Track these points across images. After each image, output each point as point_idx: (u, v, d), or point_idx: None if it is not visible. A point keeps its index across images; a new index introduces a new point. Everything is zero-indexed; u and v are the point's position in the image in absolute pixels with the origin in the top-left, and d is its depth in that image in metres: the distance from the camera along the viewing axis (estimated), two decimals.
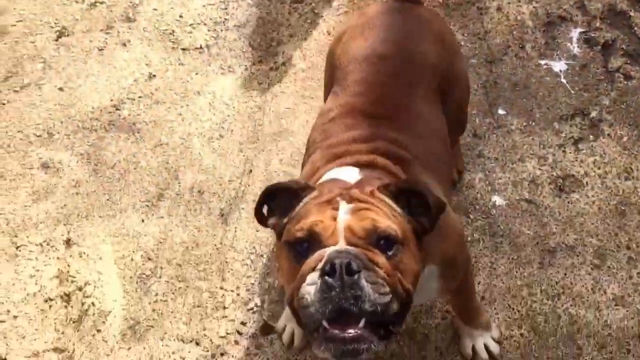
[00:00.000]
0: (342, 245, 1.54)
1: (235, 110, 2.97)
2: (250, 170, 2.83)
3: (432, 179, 1.91)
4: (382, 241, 1.56)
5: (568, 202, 2.68)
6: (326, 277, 1.48)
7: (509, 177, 2.75)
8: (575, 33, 3.06)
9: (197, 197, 2.79)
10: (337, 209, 1.58)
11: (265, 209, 1.75)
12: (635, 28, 3.04)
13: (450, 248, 1.90)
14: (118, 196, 2.81)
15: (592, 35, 3.04)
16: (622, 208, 2.65)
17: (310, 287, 1.51)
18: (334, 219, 1.56)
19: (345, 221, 1.56)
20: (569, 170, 2.75)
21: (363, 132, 1.93)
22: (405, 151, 1.91)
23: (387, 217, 1.59)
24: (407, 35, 2.15)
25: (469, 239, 2.63)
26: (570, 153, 2.79)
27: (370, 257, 1.53)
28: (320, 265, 1.51)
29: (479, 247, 2.61)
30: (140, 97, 3.04)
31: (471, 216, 2.68)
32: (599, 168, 2.74)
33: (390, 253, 1.56)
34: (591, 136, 2.82)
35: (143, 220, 2.75)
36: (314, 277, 1.51)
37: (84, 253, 2.67)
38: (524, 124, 2.86)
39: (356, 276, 1.48)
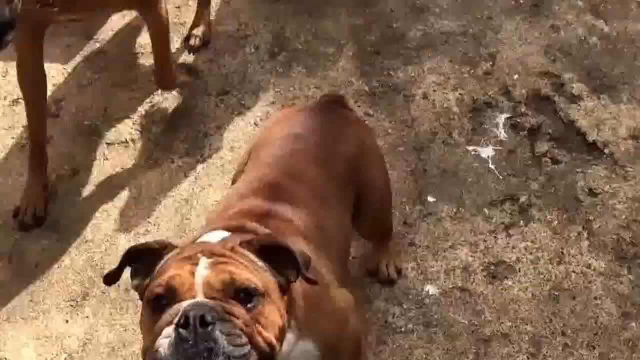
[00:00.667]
0: (200, 298, 1.50)
1: (162, 204, 2.84)
2: None
3: (320, 255, 1.91)
4: (241, 293, 1.53)
5: (501, 289, 2.58)
6: (180, 330, 1.45)
7: (441, 265, 2.65)
8: (501, 119, 3.03)
9: (124, 295, 2.61)
10: (196, 264, 1.55)
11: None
12: (560, 112, 3.03)
13: (332, 328, 1.86)
14: (41, 297, 2.63)
15: (518, 120, 3.01)
16: (556, 293, 2.56)
17: (164, 340, 1.47)
18: (192, 273, 1.53)
19: (203, 275, 1.52)
20: (501, 257, 2.66)
21: (260, 205, 1.97)
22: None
23: (248, 271, 1.57)
24: (327, 130, 2.23)
25: (403, 329, 2.51)
26: (501, 239, 2.70)
27: (227, 309, 1.49)
28: (175, 319, 1.47)
29: (413, 338, 2.49)
30: (64, 193, 2.90)
31: (404, 306, 2.57)
32: (530, 253, 2.66)
33: (250, 305, 1.52)
34: (522, 221, 2.75)
35: (67, 321, 2.58)
36: (169, 330, 1.47)
37: (5, 358, 2.50)
38: (454, 210, 2.78)
39: (210, 328, 1.45)
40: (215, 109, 3.09)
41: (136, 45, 3.33)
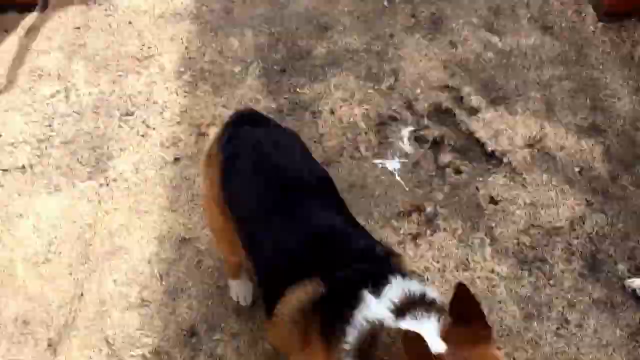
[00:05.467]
0: None
1: (63, 231, 2.64)
2: (82, 294, 2.49)
3: None
4: None
5: None
6: None
7: None
8: (405, 132, 3.01)
9: (22, 328, 2.41)
10: None
11: None
12: (460, 124, 3.03)
13: None
14: None
15: (422, 133, 3.00)
16: None
17: None
18: None
19: None
20: (410, 267, 2.61)
21: None
22: None
23: None
24: None
25: None
26: (410, 249, 2.66)
27: None
28: None
29: None
30: None
31: None
32: (437, 262, 2.63)
33: None
34: (428, 231, 2.71)
35: None
36: None
37: None
38: (363, 223, 2.70)
39: None
40: (119, 130, 2.93)
41: (32, 68, 3.15)
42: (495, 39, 3.37)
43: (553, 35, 3.40)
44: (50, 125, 2.92)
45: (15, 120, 2.94)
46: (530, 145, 2.95)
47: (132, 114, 2.98)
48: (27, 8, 3.32)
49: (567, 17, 3.48)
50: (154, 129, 2.92)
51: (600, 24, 3.43)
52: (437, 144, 2.98)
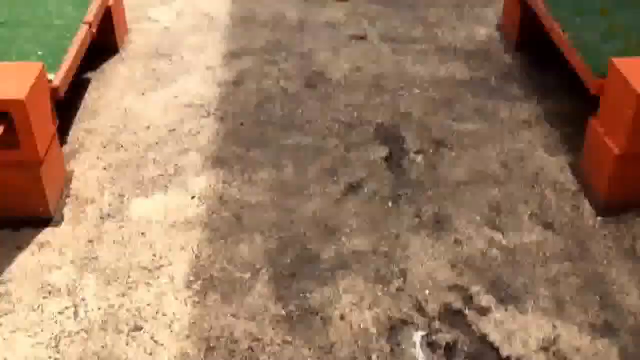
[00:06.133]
0: None
1: None
2: None
3: None
4: None
5: None
6: None
7: None
8: (417, 337, 2.92)
9: None
10: None
11: None
12: (472, 326, 2.96)
13: None
14: None
15: (434, 338, 2.91)
16: None
17: None
18: None
19: None
20: None
21: None
22: None
23: None
24: None
25: None
26: None
27: None
28: None
29: None
30: None
31: None
32: None
33: None
34: None
35: None
36: None
37: None
38: None
39: None
40: (127, 348, 2.83)
41: (43, 284, 3.10)
42: (498, 236, 3.40)
43: (554, 231, 3.43)
44: (56, 346, 2.80)
45: (21, 342, 2.83)
46: (545, 349, 2.85)
47: (140, 328, 2.90)
48: (43, 223, 3.36)
49: (566, 213, 3.54)
50: (162, 344, 2.82)
51: (599, 219, 3.48)
52: (450, 350, 2.89)
